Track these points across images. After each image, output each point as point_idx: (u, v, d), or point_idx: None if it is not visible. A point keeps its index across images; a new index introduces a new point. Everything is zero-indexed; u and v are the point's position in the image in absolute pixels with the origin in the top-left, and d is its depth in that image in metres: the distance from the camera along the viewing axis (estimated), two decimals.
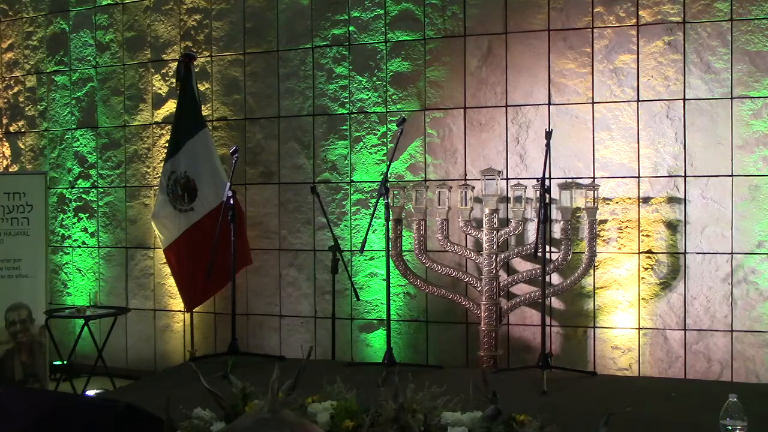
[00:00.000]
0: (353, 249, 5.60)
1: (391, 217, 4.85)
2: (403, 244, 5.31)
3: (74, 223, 6.59)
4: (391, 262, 4.99)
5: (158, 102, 6.30)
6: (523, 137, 5.24)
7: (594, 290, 5.08)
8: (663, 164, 4.96)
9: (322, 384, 3.24)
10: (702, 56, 4.89)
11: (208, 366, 4.61)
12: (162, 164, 5.97)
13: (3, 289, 5.73)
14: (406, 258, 5.30)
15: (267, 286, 5.92)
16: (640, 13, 5.00)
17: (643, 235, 4.98)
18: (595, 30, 5.10)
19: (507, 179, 5.21)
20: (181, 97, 5.75)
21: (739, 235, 4.81)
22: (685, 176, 4.92)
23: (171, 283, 6.05)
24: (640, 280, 4.98)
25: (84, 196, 6.55)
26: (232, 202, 4.99)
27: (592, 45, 5.11)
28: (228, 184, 5.05)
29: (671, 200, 4.94)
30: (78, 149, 6.58)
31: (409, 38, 5.53)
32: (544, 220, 4.38)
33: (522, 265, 5.17)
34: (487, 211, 5.04)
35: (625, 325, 5.00)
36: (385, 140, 5.58)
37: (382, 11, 5.59)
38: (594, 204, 4.85)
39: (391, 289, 4.98)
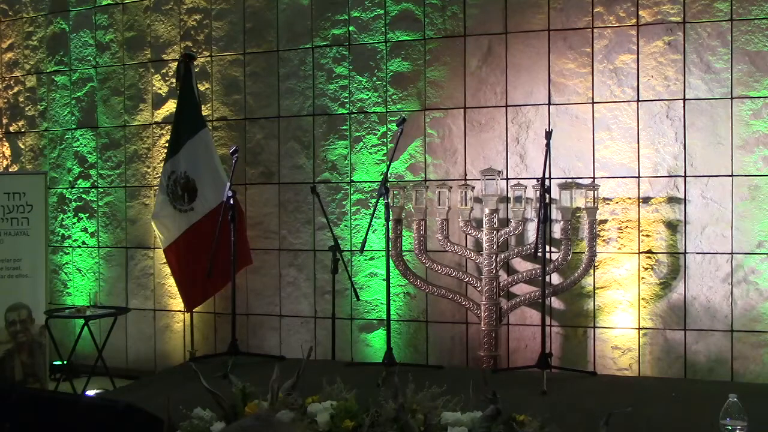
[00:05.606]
0: (353, 249, 5.60)
1: (391, 217, 4.85)
2: (403, 244, 5.31)
3: (74, 223, 6.59)
4: (391, 262, 4.99)
5: (158, 102, 6.30)
6: (523, 137, 5.24)
7: (594, 290, 5.08)
8: (663, 164, 4.96)
9: (322, 384, 3.25)
10: (702, 56, 4.89)
11: (208, 366, 4.62)
12: (162, 164, 5.97)
13: (3, 289, 5.73)
14: (406, 258, 5.30)
15: (267, 286, 5.92)
16: (640, 13, 5.00)
17: (643, 235, 4.98)
18: (595, 30, 5.10)
19: (507, 179, 5.21)
20: (181, 97, 5.75)
21: (739, 235, 4.81)
22: (685, 176, 4.92)
23: (171, 283, 6.05)
24: (640, 280, 4.98)
25: (84, 196, 6.55)
26: (232, 202, 4.99)
27: (592, 45, 5.11)
28: (228, 184, 5.05)
29: (671, 200, 4.93)
30: (78, 149, 6.58)
31: (409, 38, 5.53)
32: (544, 220, 4.38)
33: (522, 265, 5.17)
34: (487, 211, 5.04)
35: (625, 325, 5.00)
36: (385, 140, 5.58)
37: (382, 11, 5.59)
38: (594, 204, 4.85)
39: (391, 289, 4.98)
